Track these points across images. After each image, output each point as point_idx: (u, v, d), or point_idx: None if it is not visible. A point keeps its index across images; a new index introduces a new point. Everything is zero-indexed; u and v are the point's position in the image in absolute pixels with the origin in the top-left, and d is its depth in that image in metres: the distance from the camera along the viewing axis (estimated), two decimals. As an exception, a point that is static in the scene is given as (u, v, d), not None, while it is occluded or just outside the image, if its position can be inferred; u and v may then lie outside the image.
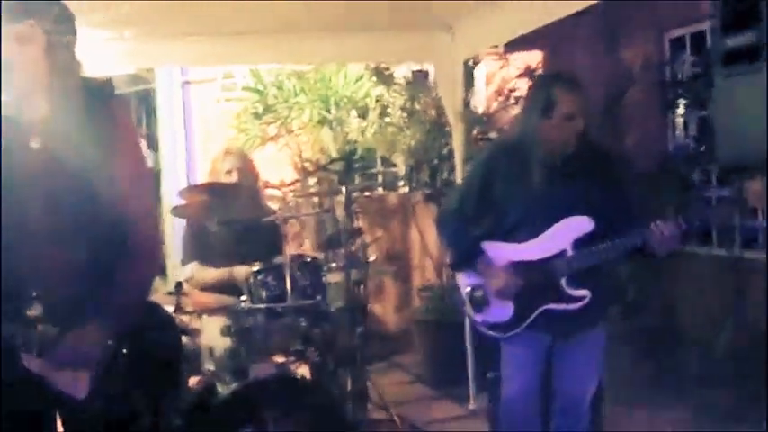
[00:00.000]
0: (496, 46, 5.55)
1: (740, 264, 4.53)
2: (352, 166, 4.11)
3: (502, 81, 5.90)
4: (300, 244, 5.87)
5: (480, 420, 4.21)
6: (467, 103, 5.15)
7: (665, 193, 4.68)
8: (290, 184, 4.85)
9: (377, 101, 6.07)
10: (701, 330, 4.61)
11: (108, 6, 3.61)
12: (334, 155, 5.82)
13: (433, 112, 5.57)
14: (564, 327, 2.77)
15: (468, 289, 2.86)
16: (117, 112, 2.24)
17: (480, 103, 5.98)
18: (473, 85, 5.83)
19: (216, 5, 3.73)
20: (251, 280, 3.37)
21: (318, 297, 3.40)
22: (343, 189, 3.92)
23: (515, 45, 5.29)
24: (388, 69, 5.93)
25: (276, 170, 5.88)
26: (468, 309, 2.87)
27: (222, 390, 3.16)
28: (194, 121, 7.40)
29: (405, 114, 5.77)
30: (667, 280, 4.90)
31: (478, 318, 2.85)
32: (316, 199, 5.79)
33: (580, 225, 2.72)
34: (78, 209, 2.12)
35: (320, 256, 3.82)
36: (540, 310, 2.74)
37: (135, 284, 2.20)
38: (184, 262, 3.73)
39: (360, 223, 5.30)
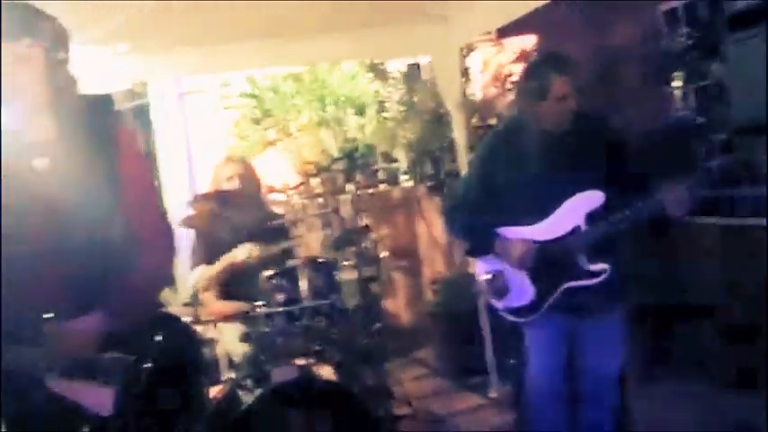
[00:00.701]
0: (490, 32, 5.53)
1: (748, 232, 4.50)
2: (354, 164, 4.11)
3: (498, 67, 5.88)
4: (308, 246, 5.86)
5: (503, 408, 4.21)
6: (464, 92, 5.13)
7: (669, 165, 4.66)
8: (293, 188, 4.84)
9: (373, 97, 6.05)
10: (714, 301, 4.59)
11: (98, 21, 3.60)
12: (336, 154, 5.81)
13: (431, 104, 5.55)
14: (586, 304, 2.75)
15: (487, 276, 2.85)
16: (118, 126, 2.23)
17: (477, 90, 5.96)
18: (469, 74, 5.81)
19: (207, 14, 3.72)
20: (265, 285, 3.36)
21: (334, 296, 3.40)
22: (348, 187, 3.91)
23: (509, 30, 5.26)
24: (382, 64, 5.91)
25: (278, 175, 5.86)
26: (489, 296, 2.86)
27: (245, 397, 3.15)
28: (193, 133, 7.37)
29: (403, 108, 5.75)
30: (677, 252, 4.88)
31: (500, 304, 2.84)
32: (320, 200, 5.77)
33: (591, 199, 2.71)
34: (86, 226, 2.11)
35: (331, 256, 3.81)
36: (562, 288, 2.73)
37: (144, 280, 2.17)
38: (193, 267, 3.73)
39: (366, 221, 5.29)
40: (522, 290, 2.79)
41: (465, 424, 4.24)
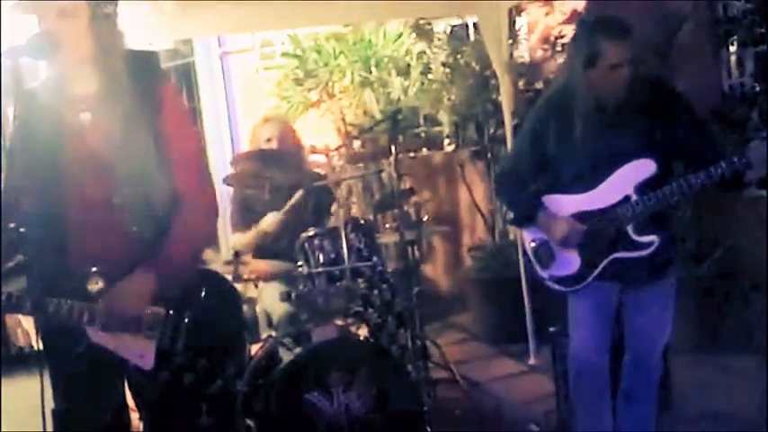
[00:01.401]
0: (539, -8, 5.37)
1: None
2: (397, 126, 4.04)
3: (546, 28, 5.71)
4: (349, 208, 5.84)
5: (542, 375, 4.17)
6: (511, 54, 5.00)
7: (723, 134, 4.51)
8: (335, 149, 4.81)
9: (418, 58, 5.94)
10: (764, 275, 4.48)
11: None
12: (378, 116, 5.74)
13: (476, 66, 5.43)
14: (634, 275, 2.68)
15: (533, 244, 2.81)
16: (163, 83, 2.22)
17: (525, 53, 5.81)
18: (517, 35, 5.66)
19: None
20: (306, 245, 3.36)
21: (374, 259, 3.39)
22: (391, 149, 3.86)
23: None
24: (428, 24, 5.79)
25: (320, 136, 5.83)
26: (534, 264, 2.81)
27: (285, 355, 3.17)
28: (235, 92, 7.37)
29: (447, 70, 5.64)
30: (728, 224, 4.76)
31: (545, 273, 2.80)
32: (361, 163, 5.74)
33: (642, 169, 2.62)
34: (132, 180, 2.11)
35: (372, 218, 3.79)
36: (609, 259, 2.67)
37: (188, 238, 2.18)
38: (235, 230, 3.74)
39: (408, 184, 5.25)
40: (569, 259, 2.73)
41: (503, 390, 4.23)
